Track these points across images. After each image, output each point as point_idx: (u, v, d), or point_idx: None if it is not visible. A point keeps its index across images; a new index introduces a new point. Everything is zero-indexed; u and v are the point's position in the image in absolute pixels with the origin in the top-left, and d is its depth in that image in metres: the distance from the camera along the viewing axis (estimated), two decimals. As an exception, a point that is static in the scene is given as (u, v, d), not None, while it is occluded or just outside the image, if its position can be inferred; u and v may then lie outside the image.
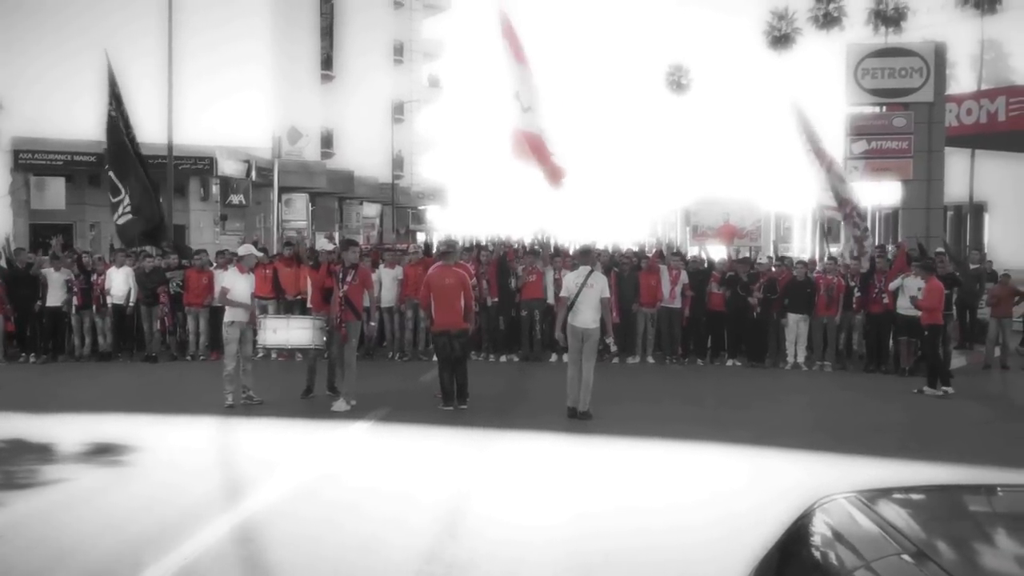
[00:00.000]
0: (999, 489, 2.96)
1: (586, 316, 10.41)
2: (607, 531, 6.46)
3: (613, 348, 11.29)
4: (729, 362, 15.37)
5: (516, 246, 17.76)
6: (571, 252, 14.88)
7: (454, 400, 10.91)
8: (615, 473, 8.28)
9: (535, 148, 13.48)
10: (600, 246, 18.03)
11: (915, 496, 2.94)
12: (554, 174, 13.80)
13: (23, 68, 29.93)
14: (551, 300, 14.64)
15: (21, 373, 14.72)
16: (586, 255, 11.10)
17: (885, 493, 2.73)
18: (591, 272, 10.55)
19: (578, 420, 10.22)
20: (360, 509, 7.07)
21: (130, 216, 17.24)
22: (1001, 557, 2.38)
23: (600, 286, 10.53)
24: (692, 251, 21.70)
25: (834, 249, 20.21)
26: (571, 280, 10.61)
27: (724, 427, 10.12)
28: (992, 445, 9.65)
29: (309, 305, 12.69)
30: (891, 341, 14.69)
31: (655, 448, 9.25)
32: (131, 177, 17.27)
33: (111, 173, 17.54)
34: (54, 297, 15.46)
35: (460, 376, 10.99)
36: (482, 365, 14.41)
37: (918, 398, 12.25)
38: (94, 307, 15.46)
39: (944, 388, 12.36)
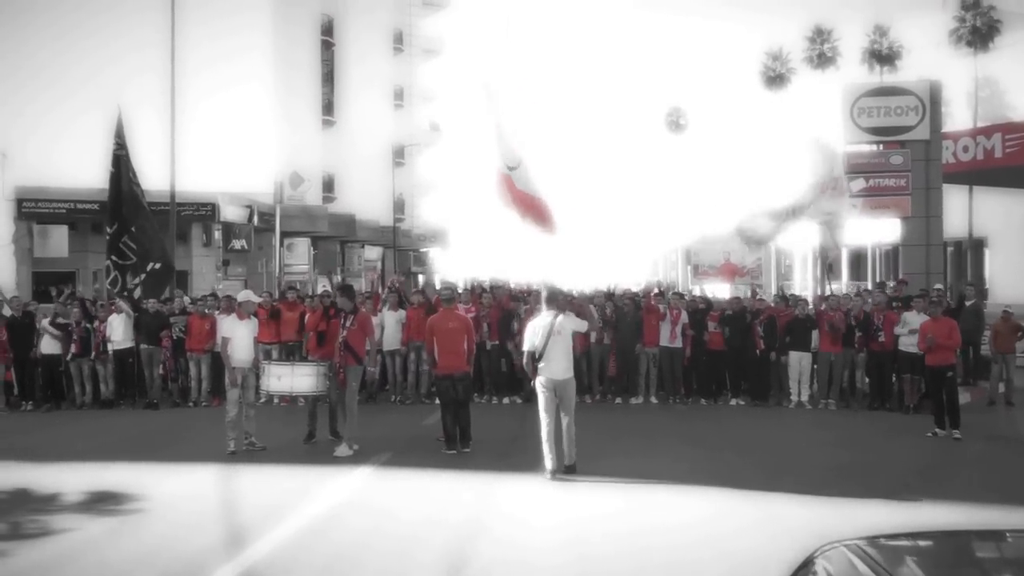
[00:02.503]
0: (1008, 535, 2.89)
1: (558, 366, 9.61)
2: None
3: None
4: (732, 401, 15.31)
5: (515, 287, 17.75)
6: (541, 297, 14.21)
7: (457, 443, 10.87)
8: (621, 516, 8.20)
9: (524, 201, 13.20)
10: (603, 287, 18.01)
11: (916, 543, 2.89)
12: (542, 220, 13.44)
13: (26, 118, 30.24)
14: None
15: (22, 422, 14.67)
16: (553, 300, 10.00)
17: (886, 540, 2.70)
18: (557, 317, 9.66)
19: (565, 476, 9.49)
20: (363, 556, 7.02)
21: (144, 275, 17.25)
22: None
23: (569, 329, 9.74)
24: (695, 290, 21.70)
25: (835, 286, 20.19)
26: (535, 330, 9.73)
27: (727, 468, 10.07)
28: (998, 484, 9.59)
29: (304, 352, 12.70)
30: (894, 378, 14.65)
31: (659, 490, 9.16)
32: (138, 219, 17.38)
33: (113, 228, 17.46)
34: (49, 345, 15.47)
35: (463, 419, 10.95)
36: (484, 407, 14.36)
37: (923, 436, 12.13)
38: (94, 354, 15.44)
39: (956, 430, 12.01)
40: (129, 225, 17.29)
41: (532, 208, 12.76)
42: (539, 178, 13.34)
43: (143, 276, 17.14)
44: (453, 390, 10.87)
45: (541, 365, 9.63)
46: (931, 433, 12.09)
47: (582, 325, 10.05)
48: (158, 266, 17.41)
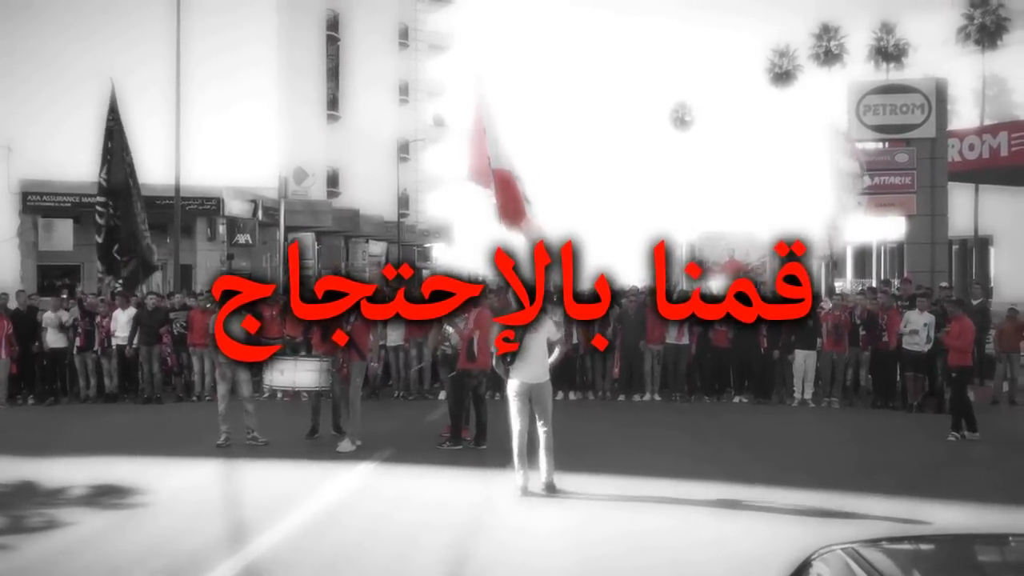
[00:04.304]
0: (1010, 539, 2.84)
1: (534, 369, 8.66)
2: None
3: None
4: (736, 399, 15.29)
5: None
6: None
7: (462, 440, 10.90)
8: (622, 513, 8.20)
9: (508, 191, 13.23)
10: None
11: (914, 546, 2.86)
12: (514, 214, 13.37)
13: (31, 111, 30.26)
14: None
15: (25, 415, 14.71)
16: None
17: (884, 543, 2.68)
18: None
19: (545, 493, 8.69)
20: (364, 552, 7.03)
21: (130, 264, 17.68)
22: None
23: (546, 328, 8.79)
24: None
25: (839, 284, 20.16)
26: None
27: (729, 465, 10.05)
28: (1001, 484, 9.56)
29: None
30: (898, 377, 14.63)
31: (662, 489, 9.13)
32: (130, 203, 17.83)
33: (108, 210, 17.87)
34: (55, 338, 15.49)
35: (483, 416, 10.99)
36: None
37: (926, 436, 12.08)
38: (99, 349, 15.46)
39: (959, 433, 11.76)
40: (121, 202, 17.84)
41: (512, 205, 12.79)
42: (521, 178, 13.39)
43: (131, 260, 17.65)
44: (481, 386, 10.97)
45: (514, 367, 8.72)
46: (952, 436, 11.79)
47: (554, 334, 8.97)
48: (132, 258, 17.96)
